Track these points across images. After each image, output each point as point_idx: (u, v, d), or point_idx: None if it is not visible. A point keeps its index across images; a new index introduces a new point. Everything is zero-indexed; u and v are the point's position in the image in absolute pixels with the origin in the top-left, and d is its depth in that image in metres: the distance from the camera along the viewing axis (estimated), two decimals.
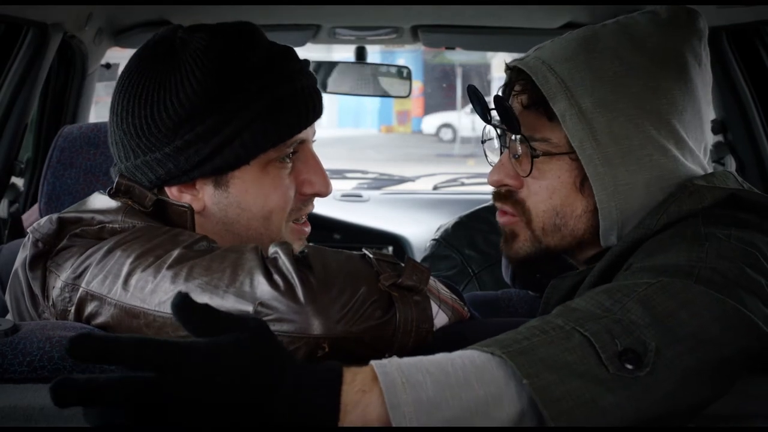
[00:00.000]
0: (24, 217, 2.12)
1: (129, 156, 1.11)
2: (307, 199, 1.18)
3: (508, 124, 1.14)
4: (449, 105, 14.51)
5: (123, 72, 1.13)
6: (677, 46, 1.12)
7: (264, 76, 1.10)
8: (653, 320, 0.84)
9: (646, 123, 1.08)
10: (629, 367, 0.80)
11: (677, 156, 1.10)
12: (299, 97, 1.12)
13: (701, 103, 1.14)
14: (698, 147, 1.14)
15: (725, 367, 0.85)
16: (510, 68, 1.18)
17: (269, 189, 1.13)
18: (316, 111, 1.16)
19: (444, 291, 1.04)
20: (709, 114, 1.17)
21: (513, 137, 1.16)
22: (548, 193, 1.15)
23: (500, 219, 1.22)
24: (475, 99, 1.19)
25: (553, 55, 1.12)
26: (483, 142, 1.28)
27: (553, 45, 1.15)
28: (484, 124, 1.23)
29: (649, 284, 0.90)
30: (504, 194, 1.20)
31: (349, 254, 0.98)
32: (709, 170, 1.14)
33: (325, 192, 1.18)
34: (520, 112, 1.15)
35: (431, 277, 1.00)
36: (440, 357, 0.80)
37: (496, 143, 1.25)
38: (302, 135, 1.14)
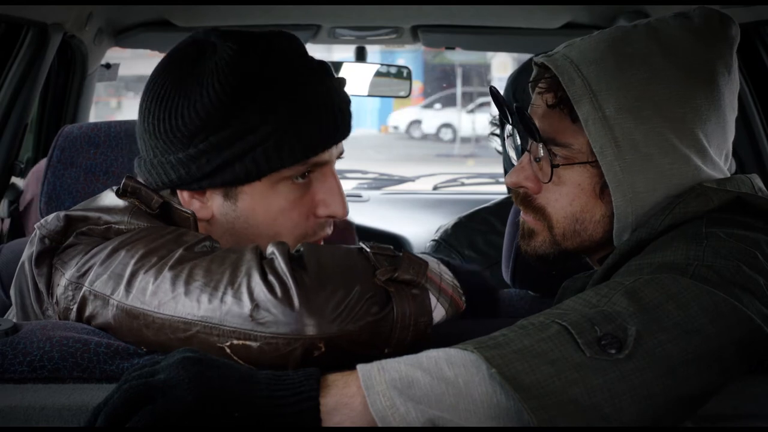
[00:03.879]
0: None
1: (149, 152, 1.13)
2: (323, 221, 1.15)
3: (529, 133, 1.14)
4: (449, 105, 14.51)
5: (154, 70, 1.14)
6: (707, 55, 1.11)
7: (286, 93, 1.08)
8: (638, 310, 0.84)
9: (668, 132, 1.07)
10: (611, 351, 0.79)
11: (698, 164, 1.09)
12: (322, 118, 1.10)
13: (726, 110, 1.12)
14: (719, 154, 1.13)
15: (715, 360, 0.84)
16: (537, 64, 1.17)
17: (276, 211, 1.11)
18: (338, 133, 1.12)
19: (447, 277, 1.02)
20: (733, 119, 1.15)
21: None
22: (568, 200, 1.14)
23: (524, 216, 1.22)
24: (497, 101, 1.19)
25: (581, 55, 1.11)
26: (506, 137, 1.28)
27: (583, 44, 1.13)
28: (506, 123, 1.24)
29: (637, 278, 0.89)
30: (523, 197, 1.19)
31: (346, 249, 0.98)
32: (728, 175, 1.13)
33: (341, 215, 1.14)
34: (544, 111, 1.14)
35: (437, 262, 1.00)
36: (419, 353, 0.83)
37: (518, 140, 1.25)
38: (323, 157, 1.11)
